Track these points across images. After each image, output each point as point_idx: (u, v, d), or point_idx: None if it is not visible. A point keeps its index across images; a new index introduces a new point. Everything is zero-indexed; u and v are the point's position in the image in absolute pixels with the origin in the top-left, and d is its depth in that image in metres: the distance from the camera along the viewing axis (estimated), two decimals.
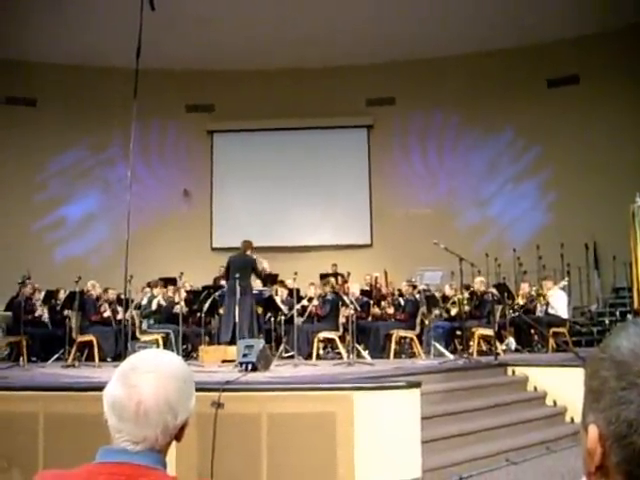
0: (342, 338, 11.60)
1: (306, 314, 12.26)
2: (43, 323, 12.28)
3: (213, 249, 18.67)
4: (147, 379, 1.51)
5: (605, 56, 16.91)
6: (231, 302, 10.68)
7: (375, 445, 6.27)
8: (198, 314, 12.28)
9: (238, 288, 10.50)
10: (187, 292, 12.73)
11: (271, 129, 19.21)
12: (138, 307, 12.32)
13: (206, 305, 11.97)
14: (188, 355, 11.65)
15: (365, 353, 11.42)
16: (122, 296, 10.91)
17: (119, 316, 11.79)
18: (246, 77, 18.68)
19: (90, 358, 11.06)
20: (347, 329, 11.25)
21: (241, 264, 11.13)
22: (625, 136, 16.56)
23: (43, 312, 12.36)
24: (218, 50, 17.75)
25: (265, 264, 12.07)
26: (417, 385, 6.77)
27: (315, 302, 12.19)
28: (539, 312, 12.80)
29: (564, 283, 13.28)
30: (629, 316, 13.09)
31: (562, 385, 8.96)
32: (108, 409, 1.54)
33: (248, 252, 11.38)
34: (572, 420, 8.58)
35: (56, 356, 11.36)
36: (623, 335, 0.87)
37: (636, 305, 9.68)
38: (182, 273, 12.00)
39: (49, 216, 18.39)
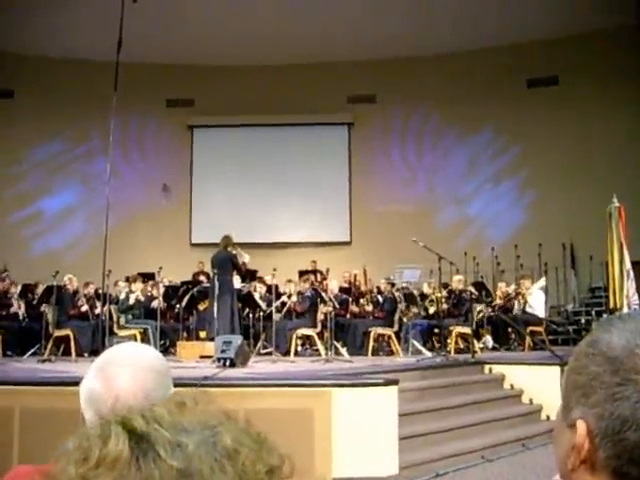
0: (320, 335, 11.61)
1: (284, 310, 12.26)
2: (19, 317, 12.17)
3: (192, 245, 18.60)
4: (124, 372, 1.50)
5: (584, 58, 17.03)
6: (211, 298, 10.69)
7: (353, 441, 6.29)
8: (176, 309, 12.23)
9: (217, 284, 10.49)
10: (165, 287, 12.68)
11: (252, 125, 19.14)
12: (116, 302, 12.25)
13: (184, 301, 11.93)
14: (166, 350, 11.59)
15: (343, 350, 11.44)
16: (100, 291, 10.86)
17: (97, 311, 11.71)
18: (227, 72, 18.60)
19: (67, 353, 10.99)
20: (325, 326, 11.26)
21: (220, 260, 11.12)
22: (603, 137, 16.69)
23: (19, 307, 12.25)
24: (199, 45, 17.66)
25: (246, 258, 12.03)
26: (395, 382, 6.80)
27: (294, 298, 12.19)
28: (516, 311, 12.89)
29: (543, 283, 13.37)
30: (604, 315, 13.21)
31: (538, 383, 9.04)
32: (85, 403, 1.52)
33: (229, 248, 11.35)
34: (548, 418, 8.65)
35: (32, 351, 11.26)
36: (613, 331, 0.87)
37: (611, 305, 9.76)
38: (161, 268, 11.95)
39: (26, 209, 18.21)
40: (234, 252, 11.43)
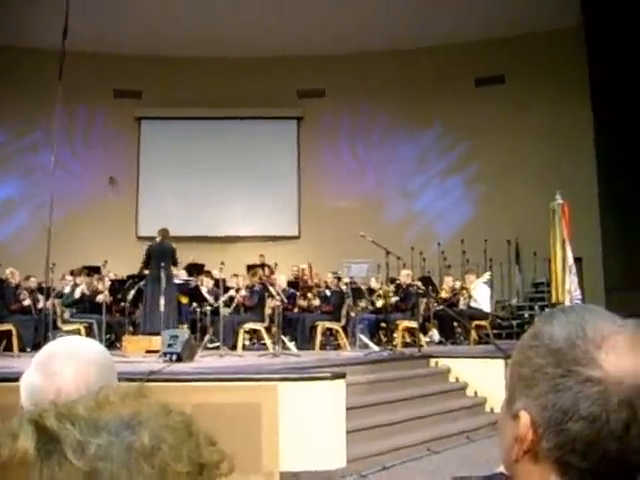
0: (268, 329, 11.59)
1: (233, 305, 12.20)
2: None
3: (139, 238, 18.37)
4: (67, 366, 1.47)
5: (529, 58, 17.34)
6: (156, 291, 10.52)
7: (300, 435, 6.30)
8: (122, 304, 12.07)
9: (163, 277, 10.37)
10: (111, 281, 12.49)
11: (201, 118, 18.98)
12: (60, 296, 12.02)
13: (130, 294, 11.78)
14: (111, 345, 11.41)
15: (291, 344, 11.43)
16: (43, 284, 10.65)
17: (40, 305, 11.47)
18: (176, 64, 18.39)
19: (9, 348, 10.74)
20: (273, 320, 11.24)
21: (165, 253, 10.99)
22: (547, 136, 17.01)
23: None
24: (148, 35, 17.42)
25: None
26: (342, 376, 6.84)
27: (243, 292, 12.14)
28: (462, 305, 13.05)
29: (486, 277, 13.55)
30: (547, 310, 13.47)
31: (483, 376, 9.19)
32: (26, 398, 1.49)
33: (166, 240, 11.25)
34: (492, 410, 8.80)
35: None
36: (555, 323, 0.89)
37: (554, 299, 9.97)
38: (106, 261, 11.78)
39: None
40: (174, 245, 11.34)
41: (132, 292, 11.80)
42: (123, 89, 18.82)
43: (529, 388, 0.87)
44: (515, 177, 17.13)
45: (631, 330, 0.87)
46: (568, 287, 9.64)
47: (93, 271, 12.81)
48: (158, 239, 11.28)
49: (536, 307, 15.37)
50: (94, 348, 1.56)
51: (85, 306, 11.89)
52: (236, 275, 12.99)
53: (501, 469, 0.96)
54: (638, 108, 14.11)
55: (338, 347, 11.99)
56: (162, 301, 10.24)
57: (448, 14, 16.69)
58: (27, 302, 11.62)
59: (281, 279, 12.79)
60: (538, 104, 17.24)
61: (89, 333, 10.86)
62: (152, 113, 19.02)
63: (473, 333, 12.43)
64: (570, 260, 9.80)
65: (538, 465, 0.86)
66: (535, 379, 0.86)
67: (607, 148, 16.15)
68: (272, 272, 13.06)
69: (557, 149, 16.76)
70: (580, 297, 9.87)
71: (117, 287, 12.27)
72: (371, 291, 13.35)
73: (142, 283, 11.88)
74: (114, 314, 12.30)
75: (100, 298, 11.58)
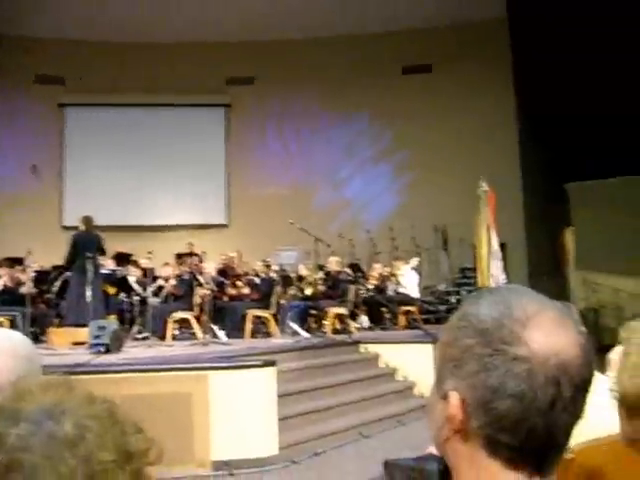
0: (198, 318, 11.48)
1: (162, 294, 12.05)
2: None
3: (64, 227, 17.93)
4: None
5: (456, 48, 17.61)
6: (82, 282, 10.29)
7: (232, 424, 6.29)
8: (47, 295, 11.77)
9: (90, 267, 10.16)
10: (35, 272, 12.16)
11: (126, 105, 18.62)
12: None
13: (56, 285, 11.50)
14: (37, 338, 11.11)
15: (221, 333, 11.35)
16: None
17: None
18: (100, 50, 17.97)
19: None
20: (203, 309, 11.15)
21: (92, 242, 10.74)
22: (473, 124, 17.32)
23: None
24: (71, 19, 16.95)
25: None
26: (272, 364, 6.85)
27: (172, 282, 12.00)
28: (390, 291, 13.22)
29: (415, 263, 13.75)
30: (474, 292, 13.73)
31: (412, 361, 9.34)
32: None
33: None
34: (421, 394, 8.95)
35: None
36: (483, 303, 0.90)
37: (480, 284, 10.19)
38: (29, 252, 11.46)
39: None
40: (101, 235, 11.09)
41: (57, 283, 11.53)
42: (45, 74, 18.28)
43: (458, 368, 0.88)
44: (442, 164, 17.38)
45: (556, 309, 0.89)
46: (493, 271, 9.85)
47: (16, 262, 12.45)
48: (82, 228, 11.01)
49: (463, 292, 15.68)
50: (15, 339, 1.51)
51: (8, 298, 11.53)
52: (167, 264, 12.83)
53: (431, 449, 0.98)
54: (561, 97, 14.51)
55: (268, 335, 11.96)
56: (88, 292, 10.02)
57: (377, 2, 16.79)
58: None
59: (210, 267, 12.68)
60: (464, 93, 17.54)
61: (13, 326, 10.55)
62: (76, 100, 18.56)
63: (402, 318, 12.61)
64: (495, 245, 10.02)
65: (468, 444, 0.88)
66: (464, 359, 0.88)
67: (530, 136, 16.58)
68: (201, 260, 12.95)
69: (482, 137, 17.10)
70: (505, 281, 10.11)
71: (42, 278, 11.97)
72: (300, 278, 13.38)
73: (68, 273, 11.61)
74: (39, 306, 11.99)
75: (24, 290, 11.27)
